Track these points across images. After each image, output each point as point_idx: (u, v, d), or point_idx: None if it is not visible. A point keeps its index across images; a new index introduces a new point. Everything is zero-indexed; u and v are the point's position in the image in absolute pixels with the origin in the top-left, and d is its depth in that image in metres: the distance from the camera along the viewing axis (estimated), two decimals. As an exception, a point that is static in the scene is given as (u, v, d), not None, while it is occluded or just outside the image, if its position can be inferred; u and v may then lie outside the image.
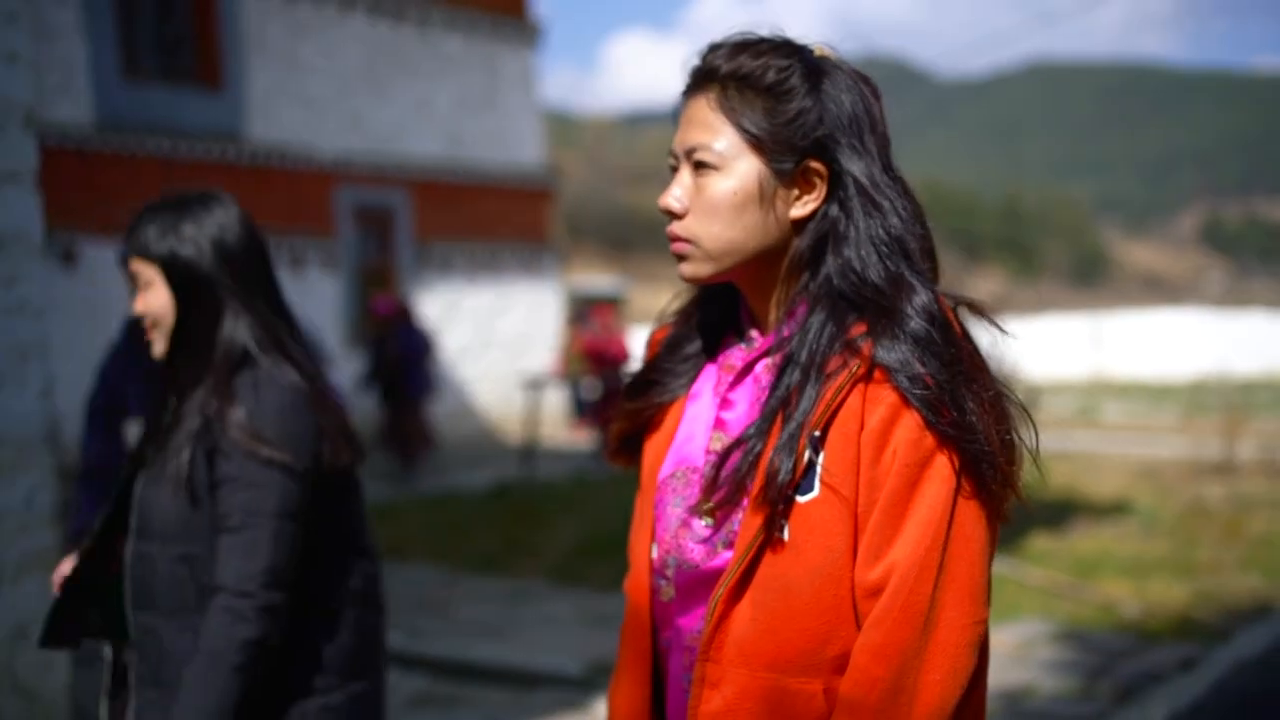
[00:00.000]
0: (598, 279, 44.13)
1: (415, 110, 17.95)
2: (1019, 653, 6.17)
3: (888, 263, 1.63)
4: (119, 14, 14.44)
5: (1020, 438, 1.64)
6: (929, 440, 1.55)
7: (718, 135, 1.67)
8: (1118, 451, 14.75)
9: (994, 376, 1.64)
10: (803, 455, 1.58)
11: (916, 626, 1.52)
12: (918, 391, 1.55)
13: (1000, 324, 1.70)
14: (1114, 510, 10.31)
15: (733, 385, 1.75)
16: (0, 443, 3.84)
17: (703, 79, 1.70)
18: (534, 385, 15.58)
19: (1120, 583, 7.60)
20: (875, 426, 1.56)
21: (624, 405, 1.92)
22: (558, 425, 18.02)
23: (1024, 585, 7.52)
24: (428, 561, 9.13)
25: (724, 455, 1.67)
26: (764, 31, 1.72)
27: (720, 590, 1.62)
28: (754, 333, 1.78)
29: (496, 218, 18.90)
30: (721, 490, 1.66)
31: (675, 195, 1.70)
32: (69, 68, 13.72)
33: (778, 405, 1.64)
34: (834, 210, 1.67)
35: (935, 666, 1.52)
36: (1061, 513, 10.00)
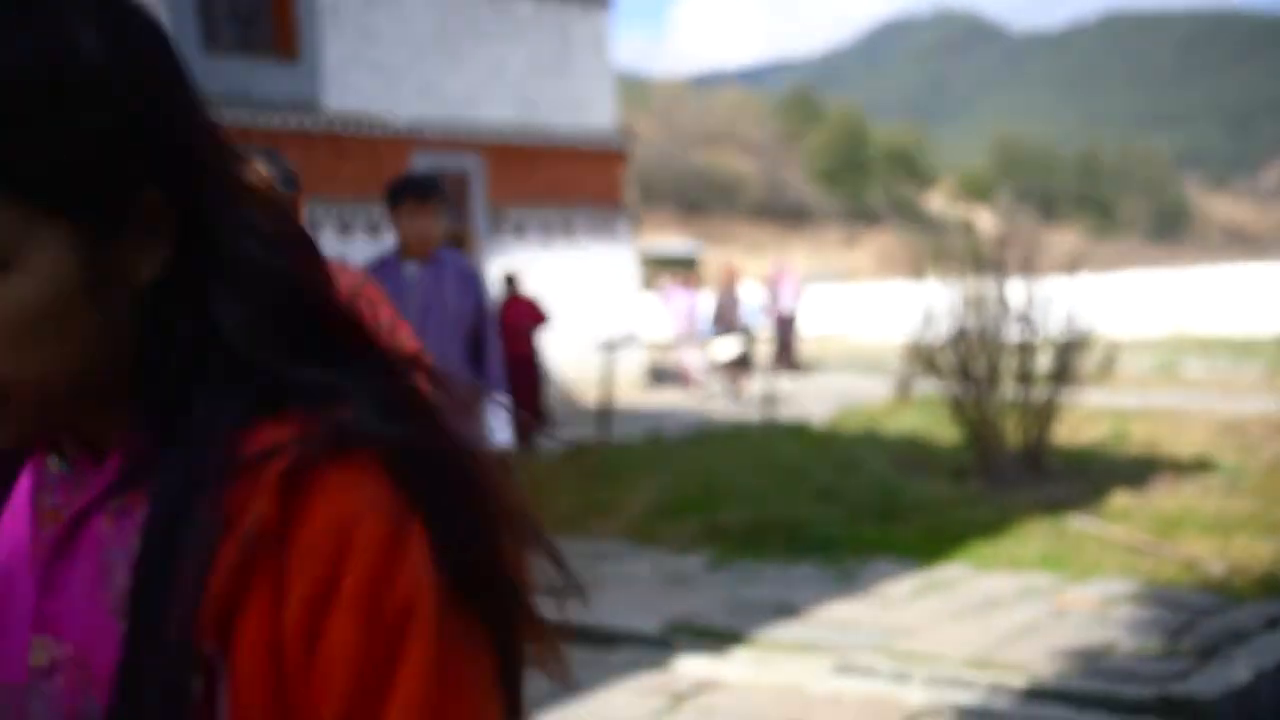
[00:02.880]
0: (671, 241, 44.12)
1: (488, 75, 18.02)
2: (1100, 610, 6.14)
3: (295, 306, 0.95)
4: (196, -14, 14.65)
5: (518, 552, 0.99)
6: (400, 588, 0.85)
7: None
8: (1200, 408, 14.54)
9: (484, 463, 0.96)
10: (187, 684, 0.84)
11: None
12: (403, 457, 0.89)
13: (464, 394, 0.99)
14: (1196, 467, 10.18)
15: (58, 550, 0.94)
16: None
17: None
18: (609, 347, 15.63)
19: (1203, 541, 7.52)
20: (299, 611, 0.85)
21: None
22: (634, 386, 18.08)
23: (1105, 543, 7.47)
24: (507, 523, 9.24)
25: (68, 685, 0.91)
26: None
27: None
28: (76, 450, 0.97)
29: (570, 182, 18.95)
30: None
31: None
32: (148, 40, 13.96)
33: (141, 598, 0.87)
34: (185, 253, 0.93)
35: None
36: (1143, 470, 9.89)
